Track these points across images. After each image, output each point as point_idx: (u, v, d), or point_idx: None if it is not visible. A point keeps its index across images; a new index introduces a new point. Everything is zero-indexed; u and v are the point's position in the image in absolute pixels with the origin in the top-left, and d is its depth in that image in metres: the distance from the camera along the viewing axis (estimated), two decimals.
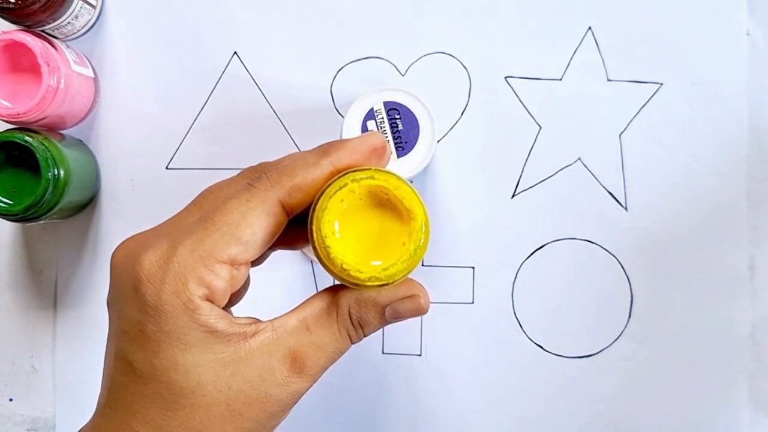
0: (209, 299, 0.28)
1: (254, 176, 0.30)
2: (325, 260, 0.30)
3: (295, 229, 0.32)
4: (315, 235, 0.29)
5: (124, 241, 0.30)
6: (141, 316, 0.27)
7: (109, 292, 0.29)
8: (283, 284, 0.47)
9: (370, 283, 0.30)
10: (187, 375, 0.27)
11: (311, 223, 0.30)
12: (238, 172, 0.46)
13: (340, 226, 0.30)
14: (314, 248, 0.30)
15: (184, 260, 0.27)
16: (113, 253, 0.29)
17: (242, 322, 0.29)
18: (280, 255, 0.46)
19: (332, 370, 0.46)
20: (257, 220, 0.29)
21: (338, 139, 0.32)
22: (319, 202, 0.30)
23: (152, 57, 0.47)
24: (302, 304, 0.30)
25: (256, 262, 0.32)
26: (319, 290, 0.46)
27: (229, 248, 0.28)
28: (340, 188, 0.30)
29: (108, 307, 0.29)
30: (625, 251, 0.46)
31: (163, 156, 0.47)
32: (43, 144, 0.41)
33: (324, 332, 0.30)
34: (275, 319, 0.30)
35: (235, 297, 0.31)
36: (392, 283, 0.30)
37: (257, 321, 0.30)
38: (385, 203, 0.31)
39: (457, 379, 0.46)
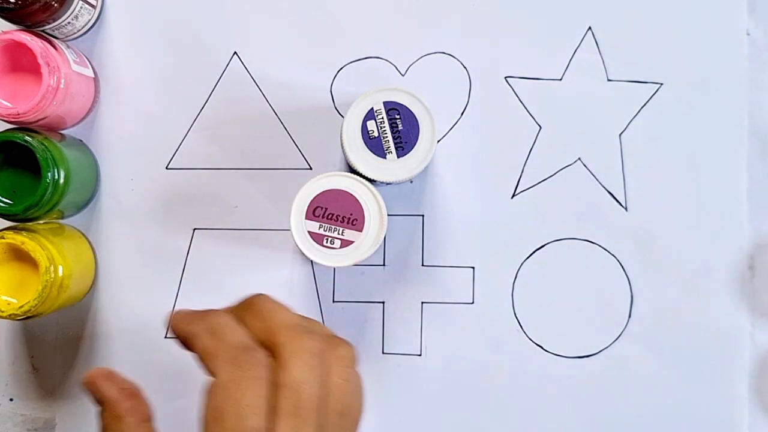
0: None
1: None
2: None
3: None
4: None
5: None
6: None
7: None
8: (283, 284, 0.47)
9: (14, 318, 0.40)
10: None
11: None
12: (237, 172, 0.47)
13: None
14: None
15: None
16: None
17: None
18: (280, 255, 0.47)
19: None
20: None
21: None
22: None
23: (152, 57, 0.47)
24: None
25: None
26: (318, 289, 0.47)
27: None
28: None
29: None
30: (625, 251, 0.46)
31: (163, 156, 0.47)
32: (43, 144, 0.41)
33: None
34: None
35: None
36: (34, 317, 0.41)
37: None
38: (27, 256, 0.40)
39: (457, 379, 0.46)
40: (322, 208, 0.39)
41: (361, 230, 0.39)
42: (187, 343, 0.35)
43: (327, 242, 0.39)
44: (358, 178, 0.39)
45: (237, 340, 0.33)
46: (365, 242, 0.39)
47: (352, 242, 0.39)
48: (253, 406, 0.31)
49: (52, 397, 0.48)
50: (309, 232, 0.39)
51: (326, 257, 0.39)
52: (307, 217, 0.39)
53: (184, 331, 0.35)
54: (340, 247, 0.39)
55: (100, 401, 0.37)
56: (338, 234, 0.39)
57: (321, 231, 0.39)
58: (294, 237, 0.39)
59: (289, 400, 0.31)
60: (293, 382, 0.32)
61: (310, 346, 0.33)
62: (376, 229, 0.39)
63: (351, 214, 0.39)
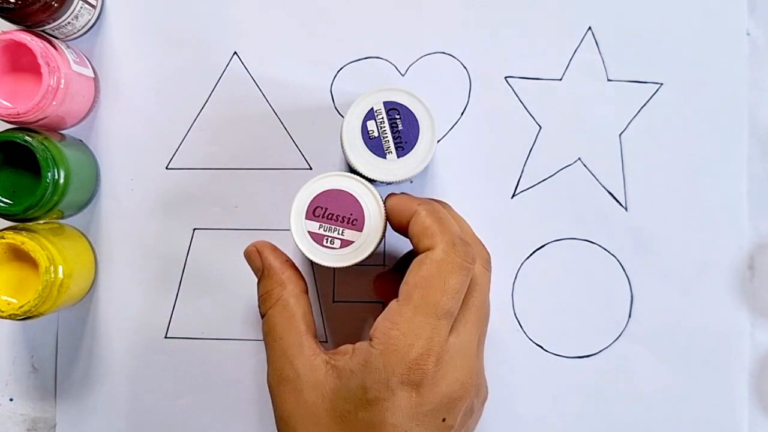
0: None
1: None
2: None
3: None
4: None
5: None
6: None
7: None
8: None
9: (14, 318, 0.41)
10: None
11: None
12: (237, 172, 0.47)
13: None
14: None
15: None
16: None
17: None
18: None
19: None
20: None
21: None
22: None
23: (152, 57, 0.47)
24: None
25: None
26: (318, 289, 0.47)
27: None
28: None
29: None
30: (625, 251, 0.46)
31: (163, 156, 0.47)
32: (43, 144, 0.41)
33: None
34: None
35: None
36: (34, 317, 0.41)
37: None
38: (27, 256, 0.41)
39: None
40: (322, 208, 0.39)
41: (361, 230, 0.39)
42: (400, 219, 0.38)
43: (327, 242, 0.39)
44: (358, 178, 0.39)
45: (456, 230, 0.37)
46: (365, 242, 0.39)
47: (352, 242, 0.39)
48: (455, 289, 0.35)
49: (52, 397, 0.48)
50: (309, 232, 0.39)
51: (326, 257, 0.39)
52: (307, 217, 0.39)
53: (407, 207, 0.37)
54: (340, 247, 0.39)
55: (264, 269, 0.39)
56: (338, 234, 0.39)
57: (321, 231, 0.39)
58: (294, 237, 0.39)
59: (478, 299, 0.37)
60: (483, 287, 0.37)
61: (488, 257, 0.39)
62: (376, 229, 0.39)
63: (351, 214, 0.39)
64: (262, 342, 0.46)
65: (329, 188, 0.39)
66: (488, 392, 0.40)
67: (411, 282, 0.35)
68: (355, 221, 0.39)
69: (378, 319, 0.35)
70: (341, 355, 0.36)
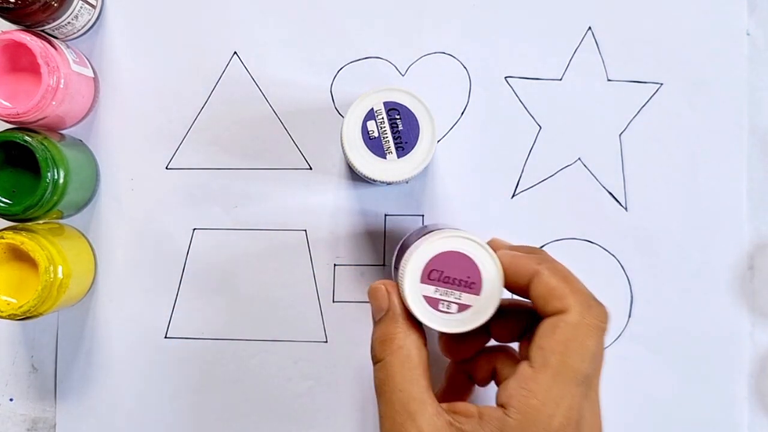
0: None
1: None
2: None
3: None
4: None
5: None
6: None
7: None
8: (283, 284, 0.47)
9: (13, 318, 0.41)
10: None
11: None
12: (237, 172, 0.47)
13: None
14: None
15: None
16: None
17: None
18: (279, 255, 0.47)
19: (332, 369, 0.47)
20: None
21: None
22: None
23: (152, 57, 0.47)
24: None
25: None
26: (318, 289, 0.47)
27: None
28: None
29: None
30: (625, 251, 0.46)
31: (163, 156, 0.47)
32: (42, 144, 0.41)
33: None
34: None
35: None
36: (34, 317, 0.41)
37: None
38: (26, 256, 0.41)
39: None
40: (437, 271, 0.36)
41: (478, 294, 0.36)
42: (518, 280, 0.35)
43: (443, 306, 0.36)
44: (475, 238, 0.36)
45: (586, 289, 0.35)
46: (483, 306, 0.36)
47: (470, 306, 0.36)
48: (593, 353, 0.33)
49: (52, 397, 0.48)
50: (424, 296, 0.36)
51: (443, 323, 0.36)
52: (422, 281, 0.36)
53: (525, 267, 0.35)
54: (458, 311, 0.36)
55: (389, 310, 0.36)
56: (455, 298, 0.36)
57: (437, 295, 0.36)
58: (407, 301, 0.36)
59: (603, 356, 0.35)
60: (603, 345, 0.35)
61: (607, 312, 0.35)
62: (494, 292, 0.36)
63: (468, 278, 0.36)
64: (262, 342, 0.47)
65: (445, 250, 0.36)
66: None
67: (547, 347, 0.33)
68: (473, 285, 0.36)
69: (510, 383, 0.33)
70: (464, 416, 0.34)
